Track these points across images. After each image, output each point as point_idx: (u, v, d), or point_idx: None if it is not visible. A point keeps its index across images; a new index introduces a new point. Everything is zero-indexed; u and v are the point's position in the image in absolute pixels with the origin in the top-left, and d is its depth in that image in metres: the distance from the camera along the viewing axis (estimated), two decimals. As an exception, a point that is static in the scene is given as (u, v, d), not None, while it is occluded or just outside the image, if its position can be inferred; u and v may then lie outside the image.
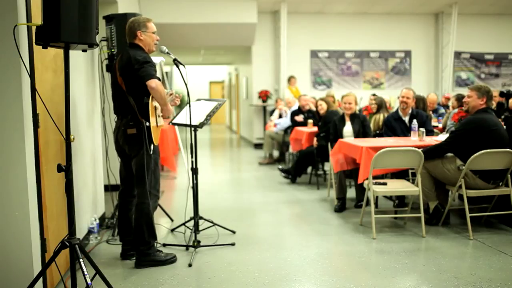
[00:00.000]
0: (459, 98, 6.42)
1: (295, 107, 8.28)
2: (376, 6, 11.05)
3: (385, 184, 4.30)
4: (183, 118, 4.02)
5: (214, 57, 15.73)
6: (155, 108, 3.45)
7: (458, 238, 4.06)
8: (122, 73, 3.36)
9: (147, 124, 3.32)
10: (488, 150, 3.95)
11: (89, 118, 4.19)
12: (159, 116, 3.54)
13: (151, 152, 3.39)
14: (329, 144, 5.67)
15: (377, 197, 4.99)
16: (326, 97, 7.36)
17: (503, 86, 11.97)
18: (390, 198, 5.35)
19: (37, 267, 2.75)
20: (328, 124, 5.89)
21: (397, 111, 5.42)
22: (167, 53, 3.74)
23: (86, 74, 4.18)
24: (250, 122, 12.45)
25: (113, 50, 4.14)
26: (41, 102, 2.66)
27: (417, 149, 4.14)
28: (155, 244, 3.55)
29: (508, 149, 4.00)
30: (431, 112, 7.16)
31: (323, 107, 6.60)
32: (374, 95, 7.05)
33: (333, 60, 11.74)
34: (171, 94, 3.71)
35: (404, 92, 5.27)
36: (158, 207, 4.91)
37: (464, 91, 9.58)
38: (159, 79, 3.28)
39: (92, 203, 4.21)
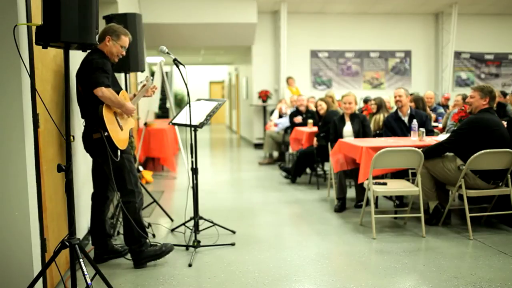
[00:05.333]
0: (464, 98, 6.43)
1: (293, 108, 8.26)
2: (376, 6, 11.05)
3: (385, 184, 4.30)
4: (183, 118, 4.02)
5: (214, 57, 15.73)
6: (115, 113, 3.30)
7: (458, 238, 4.06)
8: (77, 78, 3.23)
9: (106, 134, 3.16)
10: (488, 150, 3.95)
11: (89, 118, 4.18)
12: (123, 118, 3.39)
13: (118, 158, 3.29)
14: (329, 144, 5.67)
15: (377, 197, 4.99)
16: (325, 97, 7.37)
17: (503, 86, 11.97)
18: (390, 198, 5.35)
19: (37, 267, 2.75)
20: (328, 124, 5.89)
21: (396, 111, 5.44)
22: (167, 53, 3.74)
23: (86, 74, 4.17)
24: (250, 122, 12.45)
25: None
26: (41, 102, 2.66)
27: (417, 149, 4.15)
28: (147, 240, 3.52)
29: (508, 149, 4.00)
30: (430, 112, 7.15)
31: (322, 107, 6.60)
32: (366, 102, 7.03)
33: (333, 60, 11.73)
34: (143, 86, 3.61)
35: (395, 92, 5.44)
36: (158, 207, 4.93)
37: (464, 91, 9.63)
38: (108, 85, 3.11)
39: (92, 203, 4.19)
